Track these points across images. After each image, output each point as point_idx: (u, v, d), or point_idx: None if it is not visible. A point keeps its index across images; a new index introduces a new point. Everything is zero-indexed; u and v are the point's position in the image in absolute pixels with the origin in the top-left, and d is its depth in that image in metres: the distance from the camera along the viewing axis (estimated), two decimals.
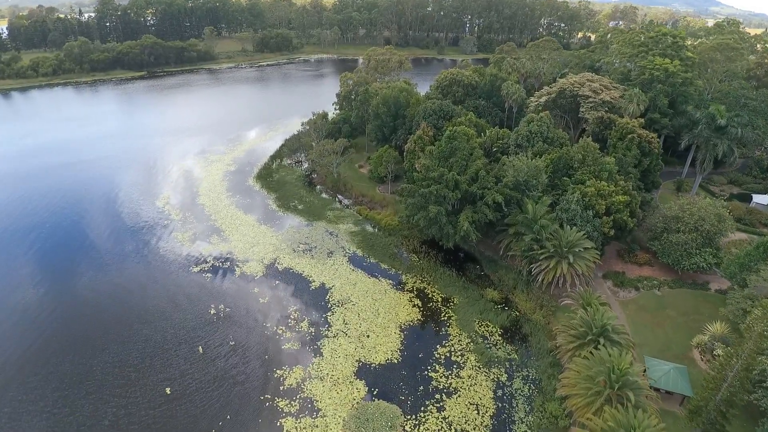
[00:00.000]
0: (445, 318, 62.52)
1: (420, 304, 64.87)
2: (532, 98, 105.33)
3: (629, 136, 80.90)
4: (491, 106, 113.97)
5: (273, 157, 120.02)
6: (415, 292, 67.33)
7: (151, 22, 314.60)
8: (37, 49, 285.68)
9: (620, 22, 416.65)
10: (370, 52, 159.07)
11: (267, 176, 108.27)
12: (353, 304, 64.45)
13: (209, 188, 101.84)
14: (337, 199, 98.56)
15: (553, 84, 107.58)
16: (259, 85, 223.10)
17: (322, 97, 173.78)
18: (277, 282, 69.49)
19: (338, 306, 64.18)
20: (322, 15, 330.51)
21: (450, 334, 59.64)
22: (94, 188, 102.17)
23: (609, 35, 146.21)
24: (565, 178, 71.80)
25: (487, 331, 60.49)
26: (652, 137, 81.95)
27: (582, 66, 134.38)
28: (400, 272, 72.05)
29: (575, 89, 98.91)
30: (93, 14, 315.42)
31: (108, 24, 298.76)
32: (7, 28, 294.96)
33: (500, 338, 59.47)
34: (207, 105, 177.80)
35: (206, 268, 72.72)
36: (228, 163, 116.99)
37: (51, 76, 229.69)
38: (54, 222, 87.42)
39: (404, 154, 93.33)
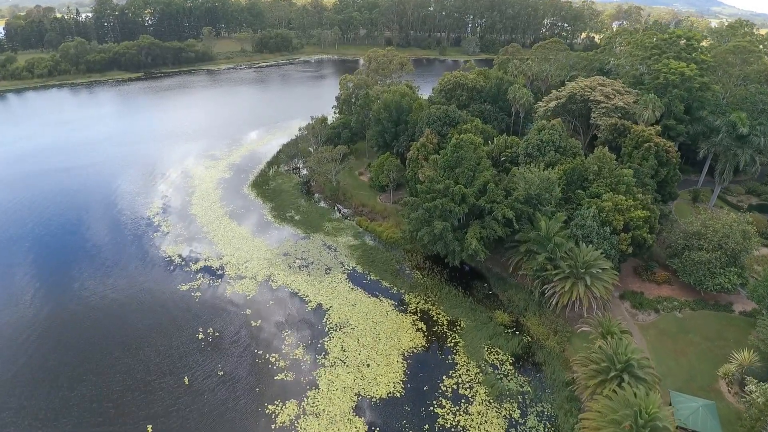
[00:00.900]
0: (452, 344, 57.94)
1: (424, 328, 60.30)
2: (540, 103, 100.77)
3: (645, 144, 76.33)
4: (497, 110, 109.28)
5: (270, 164, 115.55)
6: (419, 314, 62.74)
7: (150, 22, 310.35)
8: (34, 50, 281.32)
9: (624, 22, 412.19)
10: (371, 53, 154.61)
11: (263, 184, 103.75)
12: (352, 328, 59.89)
13: (202, 197, 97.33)
14: (336, 208, 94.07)
15: (562, 88, 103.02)
16: (258, 86, 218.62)
17: (322, 98, 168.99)
18: (270, 302, 64.94)
19: (336, 330, 59.62)
20: (322, 15, 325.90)
21: (457, 363, 55.07)
22: (82, 196, 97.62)
23: (618, 37, 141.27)
24: (579, 191, 67.17)
25: (497, 359, 55.90)
26: (670, 146, 77.36)
27: (590, 68, 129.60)
28: (403, 291, 67.47)
29: (586, 94, 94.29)
30: (90, 14, 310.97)
31: (105, 24, 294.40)
32: (3, 29, 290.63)
33: (512, 368, 54.88)
34: (204, 107, 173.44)
35: (195, 286, 68.18)
36: (223, 169, 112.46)
37: (46, 78, 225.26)
38: (38, 233, 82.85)
39: (406, 162, 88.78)
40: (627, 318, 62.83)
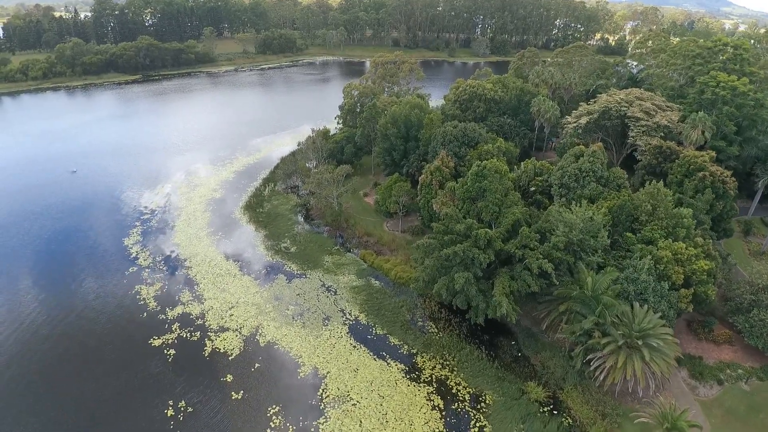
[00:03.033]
0: (476, 430, 47.05)
1: (441, 406, 49.38)
2: (568, 118, 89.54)
3: (699, 173, 65.12)
4: (518, 124, 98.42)
5: (266, 181, 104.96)
6: (435, 385, 51.85)
7: (150, 22, 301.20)
8: (33, 50, 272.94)
9: (639, 23, 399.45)
10: (378, 58, 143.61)
11: (257, 206, 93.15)
12: (354, 405, 49.12)
13: (188, 221, 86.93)
14: (337, 236, 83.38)
15: (593, 101, 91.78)
16: (259, 90, 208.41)
17: (326, 101, 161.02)
18: (256, 365, 54.27)
19: (334, 407, 48.87)
20: (327, 15, 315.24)
21: None
22: (54, 217, 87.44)
23: (650, 41, 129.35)
24: (628, 234, 56.04)
25: None
26: (727, 175, 66.07)
27: (619, 76, 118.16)
28: (415, 351, 56.57)
29: (623, 109, 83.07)
30: (90, 14, 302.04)
31: (105, 24, 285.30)
32: (2, 28, 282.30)
33: None
34: (200, 114, 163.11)
35: (170, 341, 57.66)
36: (214, 187, 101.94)
37: (41, 80, 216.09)
38: None
39: (418, 186, 78.00)
40: (685, 391, 51.92)
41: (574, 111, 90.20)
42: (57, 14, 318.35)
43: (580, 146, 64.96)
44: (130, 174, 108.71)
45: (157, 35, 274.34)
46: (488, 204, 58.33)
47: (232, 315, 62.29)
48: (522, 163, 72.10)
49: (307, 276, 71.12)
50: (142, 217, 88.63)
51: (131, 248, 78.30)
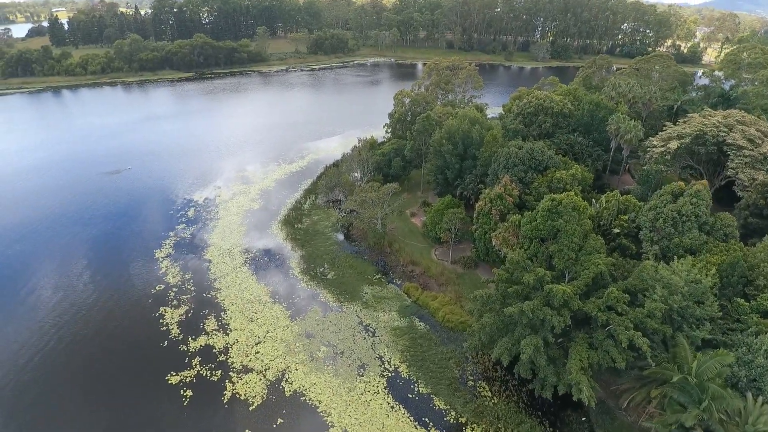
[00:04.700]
0: None
1: None
2: (653, 140, 77.60)
3: None
4: (590, 143, 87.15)
5: (307, 192, 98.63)
6: None
7: (208, 20, 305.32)
8: (94, 45, 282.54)
9: (713, 29, 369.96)
10: (433, 63, 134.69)
11: (295, 221, 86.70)
12: None
13: (223, 235, 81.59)
14: (379, 262, 75.37)
15: (682, 120, 79.44)
16: (308, 91, 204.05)
17: (375, 105, 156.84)
18: (279, 420, 47.07)
19: None
20: (381, 15, 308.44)
21: None
22: (79, 224, 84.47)
23: (745, 53, 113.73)
24: (739, 299, 44.80)
25: None
26: None
27: (707, 92, 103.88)
28: (463, 420, 47.64)
29: (721, 134, 70.58)
30: (150, 11, 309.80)
31: (164, 21, 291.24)
32: (67, 23, 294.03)
33: None
34: (248, 116, 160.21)
35: (188, 379, 51.57)
36: (253, 197, 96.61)
37: (99, 74, 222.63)
38: (10, 272, 70.42)
39: (474, 214, 68.86)
40: None
41: (660, 132, 78.09)
42: (121, 10, 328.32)
43: (680, 183, 53.66)
44: (171, 178, 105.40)
45: (213, 33, 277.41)
46: (562, 248, 48.58)
47: (258, 352, 55.56)
48: (602, 196, 61.44)
49: (344, 310, 63.51)
50: (176, 227, 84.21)
51: (161, 262, 73.54)
